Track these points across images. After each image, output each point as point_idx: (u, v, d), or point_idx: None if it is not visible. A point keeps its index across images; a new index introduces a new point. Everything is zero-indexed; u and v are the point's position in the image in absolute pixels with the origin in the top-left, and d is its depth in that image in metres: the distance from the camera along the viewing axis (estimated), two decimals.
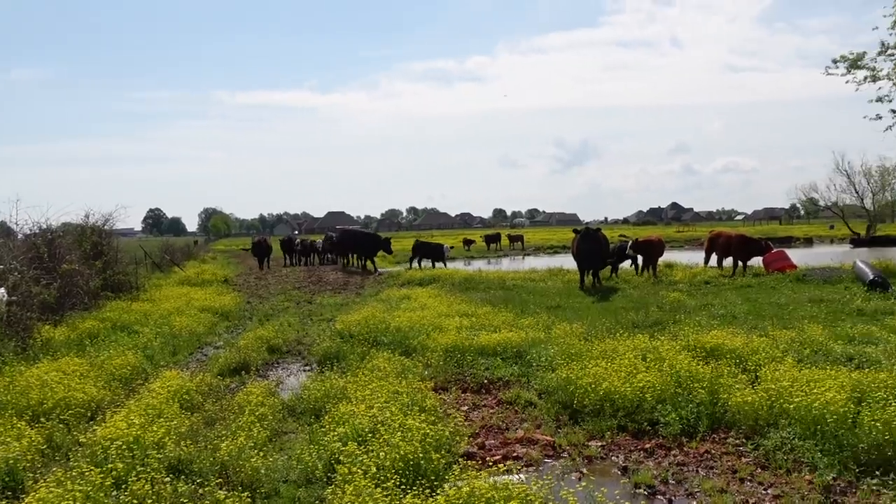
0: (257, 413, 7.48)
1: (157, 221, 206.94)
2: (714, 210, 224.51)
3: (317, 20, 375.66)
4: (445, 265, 29.68)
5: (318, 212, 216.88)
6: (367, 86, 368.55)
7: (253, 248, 37.42)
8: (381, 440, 6.09)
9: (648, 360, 8.86)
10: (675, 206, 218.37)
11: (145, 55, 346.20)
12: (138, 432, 6.46)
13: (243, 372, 10.30)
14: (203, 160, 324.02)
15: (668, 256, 29.92)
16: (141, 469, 5.71)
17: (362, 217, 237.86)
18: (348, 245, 33.14)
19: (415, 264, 30.39)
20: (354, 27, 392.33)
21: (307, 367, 11.13)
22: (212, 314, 16.30)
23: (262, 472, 6.06)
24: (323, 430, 6.75)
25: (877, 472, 5.80)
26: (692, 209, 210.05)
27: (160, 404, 7.64)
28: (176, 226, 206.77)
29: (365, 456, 5.80)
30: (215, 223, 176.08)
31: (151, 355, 11.44)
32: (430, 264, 30.18)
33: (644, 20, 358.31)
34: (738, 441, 6.80)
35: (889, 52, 24.48)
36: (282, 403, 8.34)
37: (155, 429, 6.60)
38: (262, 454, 6.32)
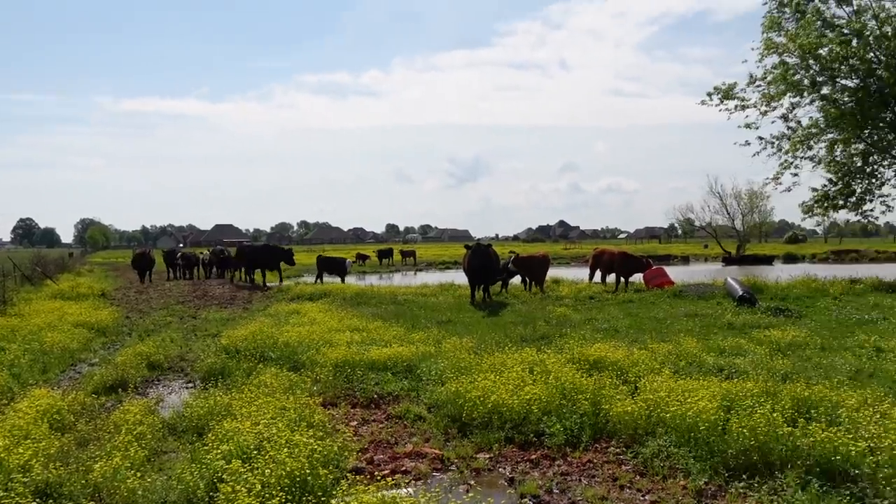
0: (135, 432, 7.14)
1: (28, 232, 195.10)
2: (599, 228, 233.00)
3: (210, 27, 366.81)
4: (344, 280, 29.46)
5: (205, 224, 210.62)
6: (260, 96, 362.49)
7: (134, 260, 35.87)
8: (266, 457, 5.94)
9: (535, 372, 9.05)
10: (562, 223, 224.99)
11: (19, 53, 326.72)
12: (1, 455, 6.05)
13: (120, 390, 9.82)
14: (82, 168, 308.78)
15: (556, 273, 30.79)
16: (3, 495, 5.34)
17: (251, 230, 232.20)
18: (249, 258, 31.97)
19: (315, 279, 30.01)
20: (250, 37, 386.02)
21: (190, 384, 10.72)
22: (87, 330, 15.48)
23: (139, 493, 5.79)
24: (206, 448, 6.51)
25: (744, 476, 6.15)
26: (578, 227, 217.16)
27: (27, 425, 7.17)
28: (49, 237, 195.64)
29: (249, 474, 5.65)
30: (93, 234, 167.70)
31: (19, 373, 10.73)
32: (324, 279, 29.87)
33: (535, 42, 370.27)
34: (618, 450, 7.04)
35: (757, 83, 26.28)
36: (162, 422, 7.99)
37: (21, 451, 6.18)
38: (139, 475, 6.04)
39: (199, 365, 11.40)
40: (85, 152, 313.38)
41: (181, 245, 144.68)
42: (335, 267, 30.75)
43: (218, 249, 38.80)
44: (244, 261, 31.96)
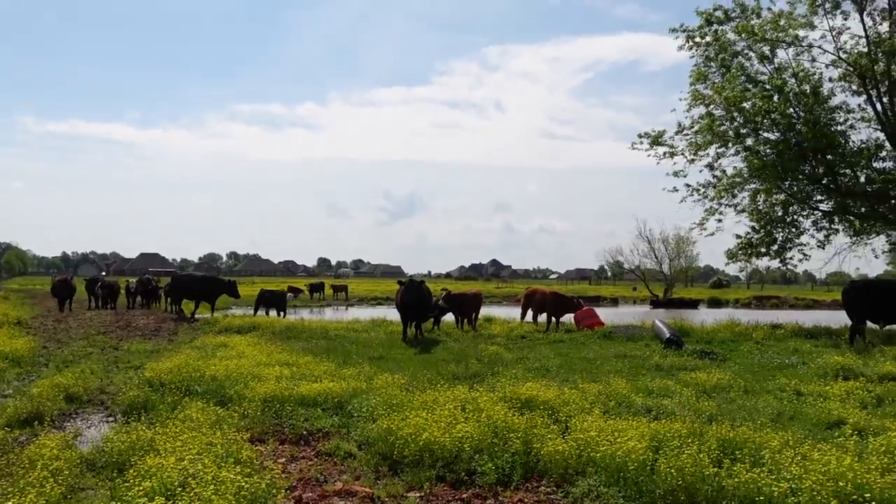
0: (51, 468, 6.83)
1: None
2: (531, 268, 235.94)
3: (143, 51, 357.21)
4: (285, 314, 28.92)
5: (130, 252, 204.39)
6: (192, 124, 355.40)
7: (53, 287, 34.51)
8: (191, 494, 5.77)
9: (468, 410, 9.06)
10: (494, 262, 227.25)
11: None
12: None
13: (36, 423, 9.38)
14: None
15: (488, 311, 30.98)
16: None
17: (178, 260, 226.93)
18: (186, 288, 30.87)
19: (260, 312, 29.39)
20: (184, 63, 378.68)
21: (111, 418, 10.33)
22: (0, 360, 14.78)
23: None
24: (126, 485, 6.28)
25: None
26: (510, 266, 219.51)
27: None
28: None
29: None
30: (9, 259, 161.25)
31: None
32: (269, 313, 29.39)
33: (472, 83, 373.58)
34: (549, 489, 7.09)
35: (684, 132, 27.34)
36: (80, 457, 7.67)
37: None
38: None
39: (120, 398, 11.00)
40: (3, 173, 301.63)
41: (104, 273, 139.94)
42: (275, 301, 30.23)
43: (145, 278, 37.74)
44: (180, 290, 31.04)
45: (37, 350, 17.35)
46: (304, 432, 9.21)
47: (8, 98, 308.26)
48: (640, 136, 27.85)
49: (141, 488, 6.00)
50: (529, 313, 25.59)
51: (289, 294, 29.74)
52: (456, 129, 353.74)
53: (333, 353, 16.18)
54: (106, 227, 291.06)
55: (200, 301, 30.38)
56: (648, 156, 28.32)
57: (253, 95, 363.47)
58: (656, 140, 27.72)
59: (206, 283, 31.22)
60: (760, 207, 27.71)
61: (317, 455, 8.37)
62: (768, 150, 25.94)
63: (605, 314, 28.33)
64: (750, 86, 25.35)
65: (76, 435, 8.99)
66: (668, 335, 18.70)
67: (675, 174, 27.77)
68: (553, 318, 23.93)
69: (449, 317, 24.61)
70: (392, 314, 26.65)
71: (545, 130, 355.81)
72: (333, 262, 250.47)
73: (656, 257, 66.16)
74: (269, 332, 21.09)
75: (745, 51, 25.91)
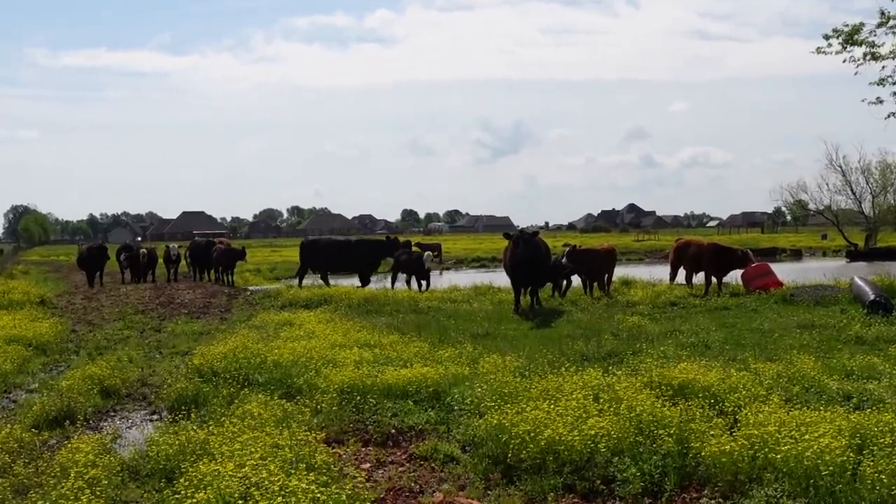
0: (87, 476, 7.23)
1: None
2: (681, 214, 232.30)
3: None
4: (428, 283, 27.80)
5: (170, 212, 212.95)
6: (235, 46, 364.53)
7: (80, 258, 36.31)
8: None
9: (602, 400, 9.03)
10: (632, 208, 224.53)
11: None
12: None
13: (67, 423, 9.95)
14: (10, 141, 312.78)
15: (625, 271, 30.65)
16: None
17: (228, 219, 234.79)
18: (321, 258, 31.07)
19: (399, 285, 28.75)
20: None
21: (155, 416, 10.86)
22: (23, 347, 15.71)
23: None
24: (177, 496, 6.58)
25: None
26: (654, 213, 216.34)
27: None
28: None
29: None
30: (27, 226, 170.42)
31: None
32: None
33: None
34: (713, 501, 7.00)
35: (890, 23, 25.81)
36: (121, 463, 8.09)
37: None
38: None
39: (165, 391, 11.51)
40: (13, 121, 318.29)
41: (139, 238, 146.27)
42: (413, 265, 28.33)
43: (203, 241, 39.19)
44: (317, 260, 31.22)
45: (65, 334, 18.37)
46: (393, 431, 9.39)
47: (14, 27, 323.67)
48: (826, 36, 26.42)
49: (194, 500, 6.27)
50: (681, 272, 25.15)
51: (426, 254, 28.50)
52: (574, 34, 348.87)
53: (426, 329, 16.42)
54: (139, 182, 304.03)
55: (348, 272, 31.14)
56: (843, 61, 26.79)
57: (309, 4, 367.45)
58: (851, 37, 26.22)
59: (360, 247, 31.09)
60: None
61: (409, 459, 8.53)
62: None
63: (782, 271, 27.53)
64: None
65: (115, 437, 9.48)
66: (872, 296, 18.03)
67: (881, 82, 26.36)
68: (713, 278, 23.45)
69: (574, 281, 24.49)
70: (500, 279, 26.73)
71: (695, 29, 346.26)
72: (421, 215, 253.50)
73: (854, 193, 63.67)
74: (344, 305, 21.57)
75: None
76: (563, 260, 22.83)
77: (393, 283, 29.03)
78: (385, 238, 31.34)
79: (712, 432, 7.86)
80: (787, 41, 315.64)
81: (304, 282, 30.29)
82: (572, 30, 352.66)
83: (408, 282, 28.39)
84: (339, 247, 31.48)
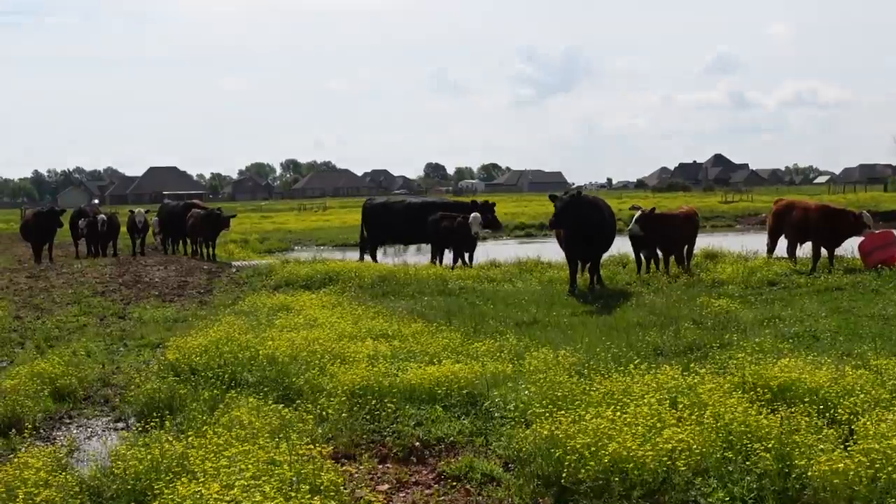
0: (38, 499, 7.35)
1: None
2: (781, 168, 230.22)
3: None
4: (472, 259, 27.76)
5: (135, 168, 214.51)
6: None
7: (25, 226, 36.65)
8: None
9: (681, 406, 9.03)
10: (719, 160, 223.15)
11: None
12: None
13: (13, 432, 10.09)
14: None
15: (710, 241, 30.49)
16: None
17: (207, 177, 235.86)
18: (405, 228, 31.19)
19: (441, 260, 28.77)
20: None
21: (120, 424, 10.98)
22: None
23: None
24: None
25: None
26: (747, 165, 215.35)
27: None
28: None
29: None
30: None
31: None
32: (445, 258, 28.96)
33: None
34: None
35: None
36: (80, 483, 8.18)
37: None
38: None
39: (132, 393, 11.61)
40: None
41: (96, 201, 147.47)
42: (459, 235, 27.43)
43: (172, 205, 39.40)
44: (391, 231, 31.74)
45: (6, 322, 18.53)
46: (417, 444, 9.45)
47: None
48: None
49: None
50: (782, 242, 24.99)
51: (473, 216, 27.04)
52: None
53: (458, 316, 16.45)
54: (96, 130, 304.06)
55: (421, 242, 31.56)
56: None
57: None
58: None
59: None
60: None
61: (438, 479, 8.60)
62: None
63: None
64: None
65: (71, 449, 9.59)
66: None
67: None
68: (823, 250, 23.28)
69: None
70: (549, 251, 26.72)
71: None
72: (450, 171, 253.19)
73: None
74: (354, 285, 21.63)
75: None
76: (634, 227, 22.70)
77: (434, 257, 28.98)
78: (471, 202, 30.48)
79: (822, 446, 7.84)
80: None
81: (302, 254, 30.33)
82: None
83: (455, 257, 28.15)
84: (416, 211, 31.10)
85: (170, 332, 16.49)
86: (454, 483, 8.46)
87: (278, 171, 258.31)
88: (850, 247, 23.96)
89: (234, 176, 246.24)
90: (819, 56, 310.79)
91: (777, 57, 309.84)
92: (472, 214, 26.50)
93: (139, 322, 18.37)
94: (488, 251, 32.65)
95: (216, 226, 33.01)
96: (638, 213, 23.30)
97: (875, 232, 23.70)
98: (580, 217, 20.27)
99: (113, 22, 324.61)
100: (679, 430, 8.13)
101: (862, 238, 23.38)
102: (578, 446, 7.98)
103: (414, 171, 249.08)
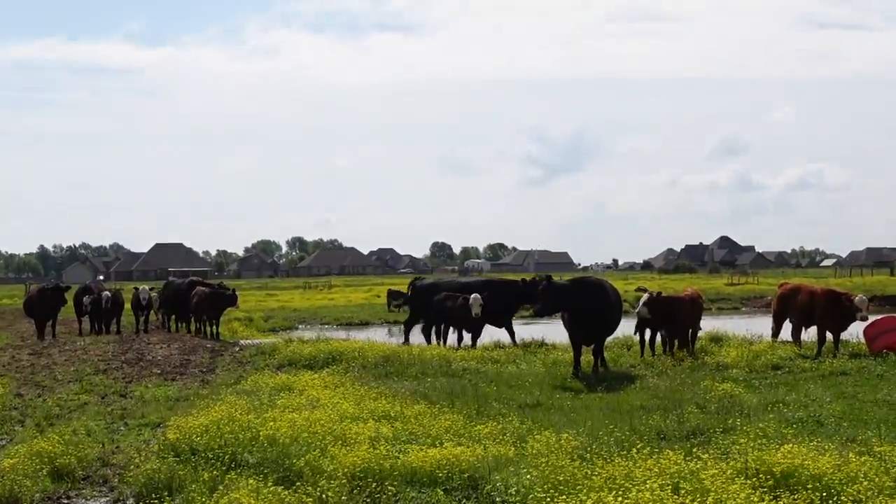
0: None
1: None
2: (787, 250, 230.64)
3: None
4: (475, 341, 27.34)
5: (140, 244, 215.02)
6: (223, 35, 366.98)
7: (29, 302, 36.75)
8: None
9: (683, 492, 8.99)
10: (725, 241, 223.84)
11: None
12: None
13: None
14: None
15: (715, 324, 30.41)
16: None
17: (213, 254, 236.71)
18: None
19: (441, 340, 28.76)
20: None
21: None
22: None
23: None
24: None
25: None
26: (753, 248, 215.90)
27: None
28: None
29: None
30: None
31: None
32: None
33: None
34: None
35: None
36: None
37: None
38: None
39: (132, 473, 11.59)
40: None
41: (101, 277, 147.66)
42: (459, 315, 27.16)
43: (177, 283, 39.46)
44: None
45: (7, 399, 18.51)
46: None
47: None
48: None
49: None
50: (787, 326, 24.96)
51: (474, 296, 26.13)
52: (651, 21, 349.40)
53: (461, 398, 16.42)
54: (102, 206, 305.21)
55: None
56: None
57: None
58: None
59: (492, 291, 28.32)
60: None
61: None
62: None
63: None
64: None
65: None
66: None
67: None
68: (828, 334, 23.26)
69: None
70: (554, 333, 26.70)
71: (805, 15, 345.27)
72: (457, 250, 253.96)
73: None
74: (357, 365, 21.63)
75: None
76: (641, 309, 22.72)
77: (437, 336, 28.95)
78: (521, 280, 29.96)
79: None
80: None
81: (306, 333, 30.29)
82: (648, 16, 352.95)
83: (459, 337, 28.10)
84: (466, 291, 30.61)
85: (171, 411, 16.48)
86: None
87: (284, 248, 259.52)
88: (856, 331, 23.93)
89: (240, 253, 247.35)
90: (824, 139, 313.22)
91: (783, 139, 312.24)
92: (473, 296, 26.22)
93: (140, 401, 18.34)
94: (492, 332, 32.66)
95: (221, 304, 33.07)
96: (645, 297, 23.34)
97: (881, 317, 23.67)
98: (585, 298, 20.30)
99: (120, 98, 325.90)
100: None
101: (865, 322, 23.38)
102: None
103: (420, 250, 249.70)
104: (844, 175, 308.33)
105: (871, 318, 23.32)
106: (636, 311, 22.98)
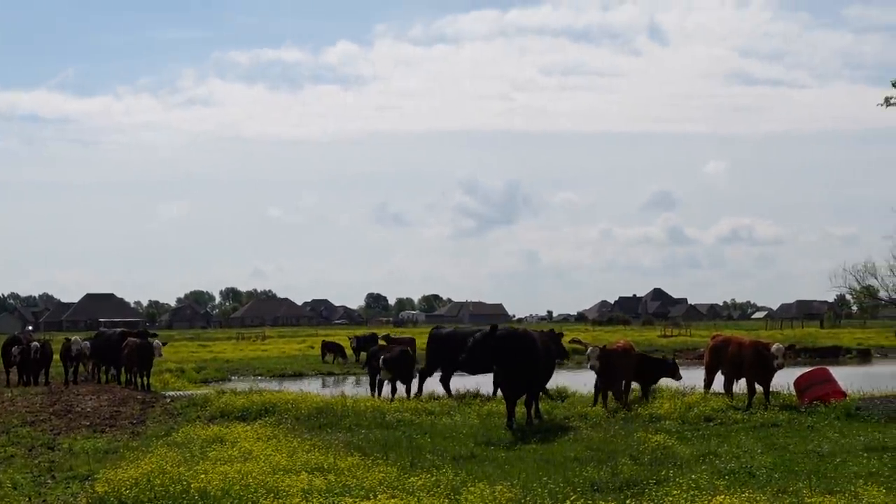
0: None
1: None
2: (719, 302, 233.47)
3: None
4: (418, 388, 28.03)
5: (70, 294, 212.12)
6: (157, 85, 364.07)
7: None
8: None
9: None
10: (658, 294, 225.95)
11: None
12: None
13: None
14: None
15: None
16: None
17: (144, 304, 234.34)
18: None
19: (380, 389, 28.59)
20: None
21: None
22: None
23: None
24: None
25: None
26: (685, 300, 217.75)
27: None
28: None
29: None
30: None
31: None
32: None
33: None
34: None
35: None
36: None
37: None
38: None
39: None
40: None
41: (30, 328, 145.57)
42: (399, 364, 27.67)
43: (108, 334, 38.98)
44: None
45: None
46: None
47: None
48: (887, 100, 27.02)
49: None
50: (719, 378, 25.19)
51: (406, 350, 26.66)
52: (584, 75, 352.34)
53: (395, 449, 16.40)
54: (31, 255, 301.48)
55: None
56: None
57: (252, 35, 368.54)
58: None
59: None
60: None
61: None
62: None
63: (846, 377, 27.70)
64: None
65: None
66: None
67: None
68: (758, 386, 23.52)
69: (582, 387, 24.49)
70: (490, 385, 26.75)
71: (735, 71, 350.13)
72: (391, 301, 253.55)
73: None
74: (290, 417, 21.50)
75: None
76: (592, 362, 22.78)
77: (373, 388, 28.77)
78: (550, 330, 29.95)
79: None
80: (849, 87, 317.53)
81: (239, 384, 30.09)
82: (582, 70, 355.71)
83: (393, 388, 27.95)
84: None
85: (100, 463, 16.27)
86: None
87: (217, 299, 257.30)
88: (787, 383, 24.21)
89: (173, 303, 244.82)
90: (756, 194, 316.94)
91: (714, 193, 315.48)
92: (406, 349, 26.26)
93: (69, 453, 18.05)
94: (426, 384, 32.64)
95: (150, 355, 32.70)
96: (591, 348, 23.42)
97: (811, 369, 23.98)
98: (518, 349, 20.38)
99: (51, 147, 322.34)
100: None
101: (782, 370, 23.64)
102: None
103: (355, 301, 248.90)
104: (775, 229, 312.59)
105: (802, 371, 23.63)
106: (588, 364, 23.07)
